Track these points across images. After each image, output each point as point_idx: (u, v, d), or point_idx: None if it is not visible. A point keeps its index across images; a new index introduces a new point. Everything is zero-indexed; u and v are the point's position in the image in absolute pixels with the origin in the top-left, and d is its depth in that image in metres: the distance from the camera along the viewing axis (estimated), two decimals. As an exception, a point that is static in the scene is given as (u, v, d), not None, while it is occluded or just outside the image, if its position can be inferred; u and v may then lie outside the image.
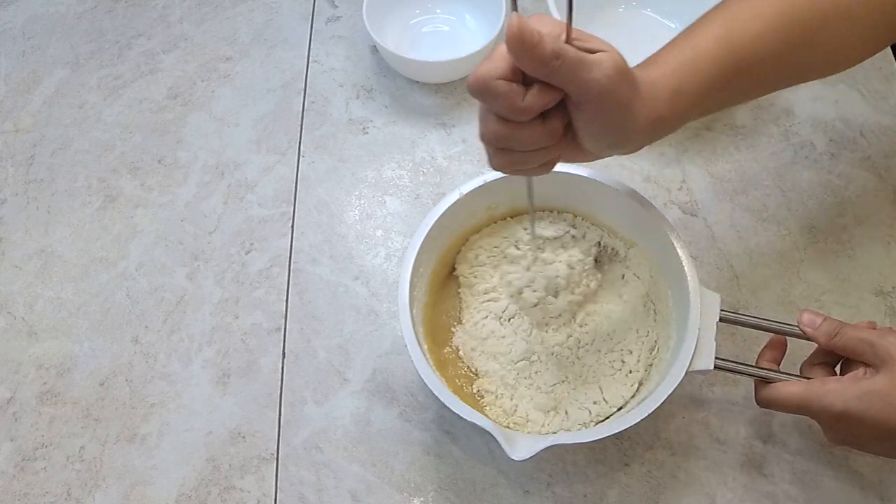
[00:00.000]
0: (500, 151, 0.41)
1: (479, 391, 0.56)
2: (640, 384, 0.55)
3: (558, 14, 0.69)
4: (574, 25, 0.36)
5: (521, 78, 0.38)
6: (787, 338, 0.53)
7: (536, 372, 0.56)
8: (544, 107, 0.39)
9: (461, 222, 0.58)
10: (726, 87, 0.45)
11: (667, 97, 0.42)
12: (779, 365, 0.52)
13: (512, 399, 0.55)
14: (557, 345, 0.56)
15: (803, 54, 0.47)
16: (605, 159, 0.47)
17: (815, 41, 0.46)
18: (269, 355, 0.61)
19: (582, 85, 0.37)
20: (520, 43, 0.35)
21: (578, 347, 0.56)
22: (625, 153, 0.45)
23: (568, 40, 0.37)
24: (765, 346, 0.53)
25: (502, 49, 0.37)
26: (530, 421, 0.54)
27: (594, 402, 0.54)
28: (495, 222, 0.61)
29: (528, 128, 0.39)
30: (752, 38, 0.44)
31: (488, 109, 0.39)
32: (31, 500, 0.56)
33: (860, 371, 0.47)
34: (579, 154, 0.44)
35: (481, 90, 0.38)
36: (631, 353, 0.56)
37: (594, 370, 0.56)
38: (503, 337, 0.57)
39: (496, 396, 0.55)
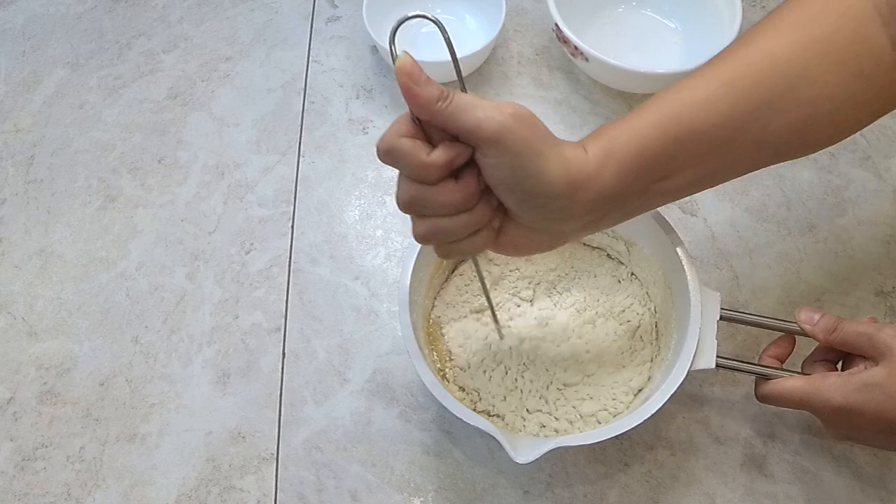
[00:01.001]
0: (420, 218, 0.40)
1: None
2: (642, 384, 0.55)
3: (558, 13, 0.69)
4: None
5: (428, 140, 0.38)
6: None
7: (532, 380, 0.56)
8: (451, 162, 0.37)
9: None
10: (672, 155, 0.40)
11: (597, 156, 0.39)
12: (783, 362, 0.52)
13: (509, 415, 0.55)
14: (553, 353, 0.56)
15: (761, 123, 0.41)
16: None
17: (777, 108, 0.41)
18: (269, 355, 0.61)
19: (474, 124, 0.36)
20: (407, 78, 0.35)
21: (574, 352, 0.56)
22: (559, 224, 0.41)
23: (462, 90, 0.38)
24: (771, 343, 0.53)
25: (405, 113, 0.38)
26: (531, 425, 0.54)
27: (599, 405, 0.54)
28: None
29: (440, 187, 0.38)
30: (699, 102, 0.41)
31: (401, 174, 0.39)
32: (31, 500, 0.56)
33: (860, 365, 0.47)
34: (515, 236, 0.42)
35: (387, 151, 0.38)
36: (634, 354, 0.56)
37: (595, 374, 0.56)
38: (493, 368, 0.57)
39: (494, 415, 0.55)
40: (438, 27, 0.36)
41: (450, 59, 0.37)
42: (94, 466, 0.57)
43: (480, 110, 0.36)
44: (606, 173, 0.40)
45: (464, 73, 0.74)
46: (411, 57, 0.36)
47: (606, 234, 0.60)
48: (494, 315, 0.54)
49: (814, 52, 0.41)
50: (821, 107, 0.42)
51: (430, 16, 0.36)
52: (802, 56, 0.41)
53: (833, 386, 0.46)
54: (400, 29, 0.36)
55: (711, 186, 0.44)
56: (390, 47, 0.37)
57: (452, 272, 0.60)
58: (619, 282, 0.59)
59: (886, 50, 0.41)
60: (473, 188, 0.39)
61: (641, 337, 0.57)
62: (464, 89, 0.38)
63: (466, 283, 0.60)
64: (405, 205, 0.40)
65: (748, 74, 0.41)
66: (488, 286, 0.59)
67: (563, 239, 0.44)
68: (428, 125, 0.38)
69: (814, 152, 0.46)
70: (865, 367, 0.46)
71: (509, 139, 0.36)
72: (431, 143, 0.38)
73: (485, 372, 0.55)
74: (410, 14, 0.36)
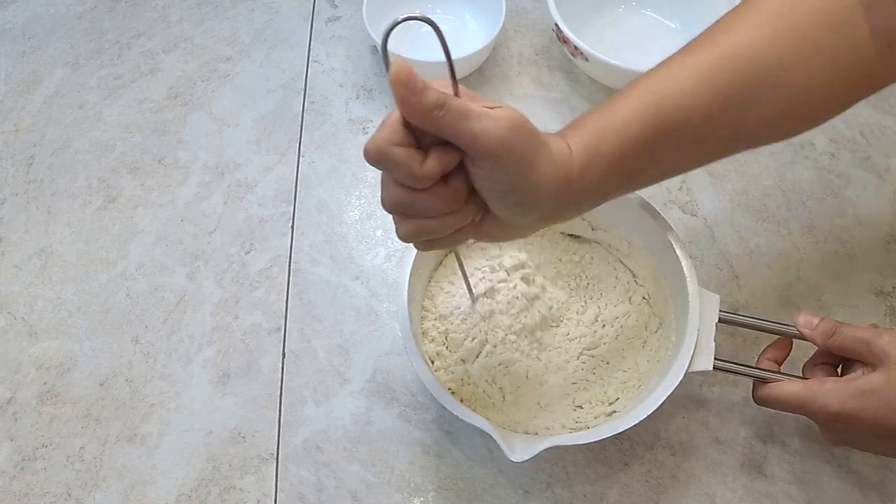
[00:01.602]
0: (405, 219, 0.39)
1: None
2: (640, 384, 0.55)
3: (558, 13, 0.69)
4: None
5: (417, 143, 0.37)
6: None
7: (537, 380, 0.56)
8: (444, 170, 0.37)
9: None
10: (651, 149, 0.41)
11: (581, 156, 0.39)
12: (780, 365, 0.52)
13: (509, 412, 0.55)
14: (557, 350, 0.56)
15: (740, 115, 0.41)
16: None
17: (755, 100, 0.41)
18: (269, 355, 0.61)
19: (470, 137, 0.35)
20: (403, 87, 0.34)
21: (576, 350, 0.56)
22: (541, 221, 0.42)
23: (456, 94, 0.36)
24: (769, 346, 0.53)
25: (395, 115, 0.36)
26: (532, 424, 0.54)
27: (599, 403, 0.55)
28: None
29: (429, 192, 0.37)
30: (680, 95, 0.40)
31: (388, 176, 0.38)
32: (31, 500, 0.56)
33: (857, 371, 0.47)
34: (495, 227, 0.41)
35: (379, 158, 0.36)
36: (633, 354, 0.56)
37: (597, 373, 0.56)
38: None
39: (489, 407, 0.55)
40: (433, 27, 0.35)
41: (454, 58, 0.36)
42: (94, 466, 0.57)
43: (477, 122, 0.35)
44: (590, 173, 0.40)
45: (465, 73, 0.74)
46: (407, 63, 0.34)
47: (606, 232, 0.60)
48: (468, 284, 0.54)
49: (793, 43, 0.41)
50: (799, 98, 0.42)
51: (422, 16, 0.35)
52: (781, 48, 0.41)
53: (831, 392, 0.46)
54: (402, 29, 0.35)
55: (685, 172, 0.45)
56: (383, 52, 0.35)
57: (435, 270, 0.60)
58: (618, 284, 0.59)
59: (867, 40, 0.41)
60: (462, 194, 0.38)
61: (642, 350, 0.56)
62: (457, 93, 0.37)
63: (448, 276, 0.59)
64: (391, 207, 0.39)
65: (728, 67, 0.41)
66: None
67: (539, 229, 0.44)
68: (419, 129, 0.37)
69: (788, 139, 0.46)
70: (863, 373, 0.46)
71: (504, 154, 0.36)
72: (420, 146, 0.37)
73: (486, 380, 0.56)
74: (401, 17, 0.34)
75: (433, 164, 0.36)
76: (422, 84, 0.34)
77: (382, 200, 0.39)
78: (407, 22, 0.35)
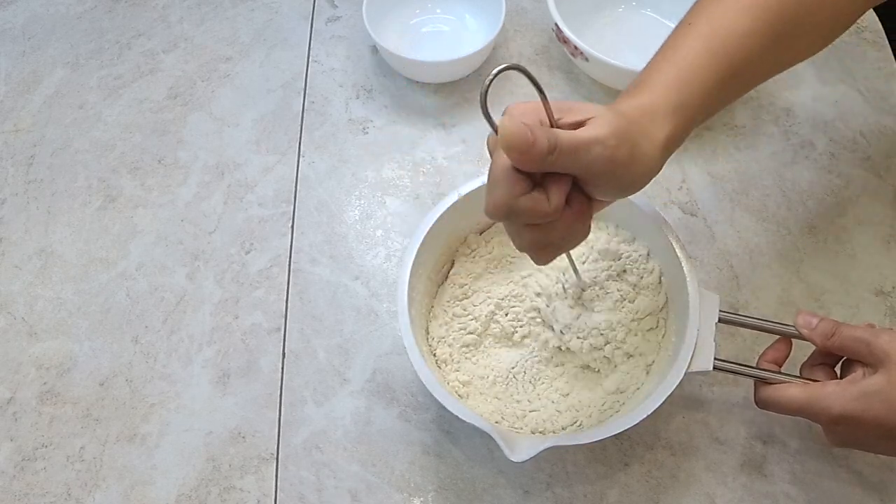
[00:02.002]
0: (543, 249, 0.42)
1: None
2: (641, 384, 0.55)
3: (558, 13, 0.69)
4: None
5: (531, 182, 0.38)
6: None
7: (534, 379, 0.56)
8: (566, 195, 0.39)
9: (460, 223, 0.58)
10: (723, 90, 0.45)
11: (669, 116, 0.42)
12: (780, 366, 0.52)
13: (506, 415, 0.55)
14: (555, 349, 0.56)
15: (790, 43, 0.47)
16: None
17: (801, 30, 0.47)
18: (269, 355, 0.61)
19: (585, 166, 0.38)
20: (516, 151, 0.36)
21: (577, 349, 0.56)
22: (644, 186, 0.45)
23: (552, 123, 0.38)
24: (768, 347, 0.53)
25: (501, 168, 0.37)
26: (536, 422, 0.54)
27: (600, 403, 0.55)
28: (493, 225, 0.61)
29: (561, 219, 0.40)
30: (742, 35, 0.44)
31: (512, 224, 0.40)
32: (31, 500, 0.56)
33: (858, 373, 0.47)
34: (602, 208, 0.44)
35: (508, 213, 0.38)
36: (633, 355, 0.56)
37: (596, 373, 0.56)
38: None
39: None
40: (527, 75, 0.37)
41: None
42: (94, 466, 0.57)
43: (587, 153, 0.37)
44: (682, 124, 0.43)
45: (464, 74, 0.74)
46: (512, 125, 0.35)
47: (607, 233, 0.60)
48: (575, 268, 0.54)
49: None
50: (828, 25, 0.49)
51: (516, 65, 0.36)
52: None
53: (832, 395, 0.46)
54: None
55: (749, 91, 0.50)
56: (486, 114, 0.36)
57: (449, 271, 0.60)
58: (618, 284, 0.59)
59: None
60: (585, 207, 0.41)
61: (642, 351, 0.56)
62: (551, 119, 0.38)
63: (458, 297, 0.59)
64: (529, 248, 0.42)
65: (773, 3, 0.45)
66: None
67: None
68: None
69: (827, 46, 0.52)
70: (864, 375, 0.46)
71: (615, 167, 0.38)
72: (532, 180, 0.38)
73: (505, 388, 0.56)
74: (496, 70, 0.36)
75: (557, 196, 0.38)
76: (532, 137, 0.35)
77: (519, 247, 0.42)
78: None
